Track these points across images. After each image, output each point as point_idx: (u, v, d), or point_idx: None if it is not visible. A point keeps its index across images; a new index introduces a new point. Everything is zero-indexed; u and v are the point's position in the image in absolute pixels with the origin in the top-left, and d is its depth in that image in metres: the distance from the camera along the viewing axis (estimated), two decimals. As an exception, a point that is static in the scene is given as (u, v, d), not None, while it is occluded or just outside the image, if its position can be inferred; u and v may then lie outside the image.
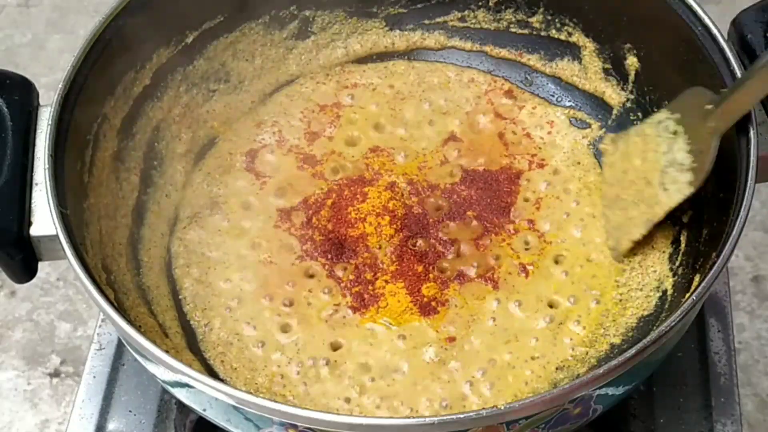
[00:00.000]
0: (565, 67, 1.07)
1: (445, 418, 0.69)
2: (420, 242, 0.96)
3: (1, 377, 1.34)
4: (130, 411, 0.96)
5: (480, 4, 1.08)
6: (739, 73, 0.85)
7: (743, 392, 1.12)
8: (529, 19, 1.07)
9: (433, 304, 0.91)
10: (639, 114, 1.01)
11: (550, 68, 1.08)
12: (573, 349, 0.89)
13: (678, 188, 0.87)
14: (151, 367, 0.78)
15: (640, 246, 0.94)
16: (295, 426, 0.71)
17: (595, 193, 0.99)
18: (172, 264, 0.96)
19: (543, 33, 1.07)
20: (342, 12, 1.10)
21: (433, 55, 1.11)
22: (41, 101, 0.88)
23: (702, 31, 0.88)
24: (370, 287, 0.93)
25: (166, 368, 0.73)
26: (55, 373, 1.34)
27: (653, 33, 0.96)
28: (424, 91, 1.08)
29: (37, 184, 0.83)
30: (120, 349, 0.99)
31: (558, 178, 1.01)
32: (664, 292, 0.90)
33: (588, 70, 1.05)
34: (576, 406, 0.74)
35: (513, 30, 1.08)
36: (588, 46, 1.04)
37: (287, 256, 0.96)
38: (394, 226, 0.97)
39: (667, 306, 0.88)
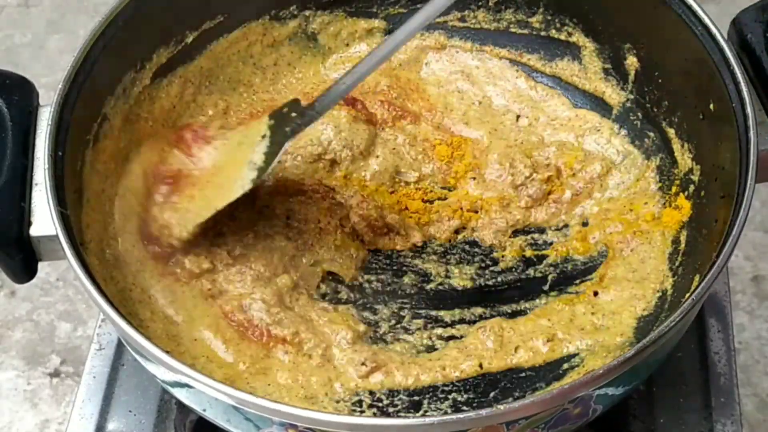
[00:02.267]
0: (565, 67, 1.07)
1: (444, 418, 0.69)
2: None
3: (1, 377, 1.34)
4: (130, 411, 0.96)
5: (480, 4, 1.08)
6: (738, 73, 0.85)
7: (743, 392, 1.12)
8: (529, 19, 1.07)
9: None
10: (639, 114, 1.01)
11: (550, 68, 1.07)
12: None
13: (241, 185, 0.88)
14: (151, 367, 0.78)
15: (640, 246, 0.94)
16: (295, 426, 0.71)
17: (595, 191, 0.99)
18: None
19: (543, 33, 1.07)
20: (342, 12, 1.10)
21: (433, 55, 1.12)
22: (41, 101, 0.88)
23: (701, 30, 0.88)
24: None
25: (165, 368, 0.73)
26: (55, 373, 1.34)
27: (653, 33, 0.96)
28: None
29: (36, 184, 0.83)
30: (120, 349, 0.99)
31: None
32: (664, 292, 0.90)
33: (588, 70, 1.05)
34: (576, 406, 0.74)
35: (513, 30, 1.08)
36: (588, 46, 1.04)
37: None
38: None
39: (667, 306, 0.88)
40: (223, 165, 0.93)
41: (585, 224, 0.98)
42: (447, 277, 0.95)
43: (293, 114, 0.88)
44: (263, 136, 0.89)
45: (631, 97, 1.02)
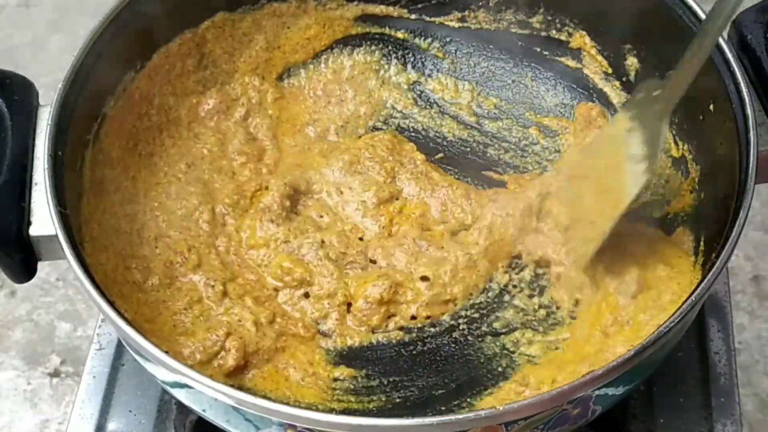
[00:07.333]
0: (565, 68, 1.07)
1: (444, 418, 0.69)
2: None
3: (1, 377, 1.34)
4: (130, 411, 0.96)
5: (480, 4, 1.08)
6: (738, 74, 0.85)
7: (743, 392, 1.12)
8: (529, 20, 1.07)
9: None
10: (639, 114, 1.01)
11: (550, 68, 1.07)
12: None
13: (635, 180, 0.87)
14: (151, 368, 0.78)
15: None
16: (294, 426, 0.71)
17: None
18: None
19: (543, 33, 1.07)
20: (342, 13, 1.10)
21: (433, 55, 1.12)
22: (41, 101, 0.88)
23: (702, 31, 0.88)
24: None
25: (165, 368, 0.73)
26: (55, 373, 1.34)
27: (653, 33, 0.96)
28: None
29: (36, 184, 0.83)
30: (120, 349, 0.99)
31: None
32: (664, 292, 0.90)
33: (588, 71, 1.05)
34: (575, 407, 0.73)
35: (513, 30, 1.08)
36: (588, 46, 1.04)
37: None
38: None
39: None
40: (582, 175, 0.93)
41: None
42: None
43: (653, 92, 0.87)
44: (629, 129, 0.88)
45: (632, 97, 1.02)
